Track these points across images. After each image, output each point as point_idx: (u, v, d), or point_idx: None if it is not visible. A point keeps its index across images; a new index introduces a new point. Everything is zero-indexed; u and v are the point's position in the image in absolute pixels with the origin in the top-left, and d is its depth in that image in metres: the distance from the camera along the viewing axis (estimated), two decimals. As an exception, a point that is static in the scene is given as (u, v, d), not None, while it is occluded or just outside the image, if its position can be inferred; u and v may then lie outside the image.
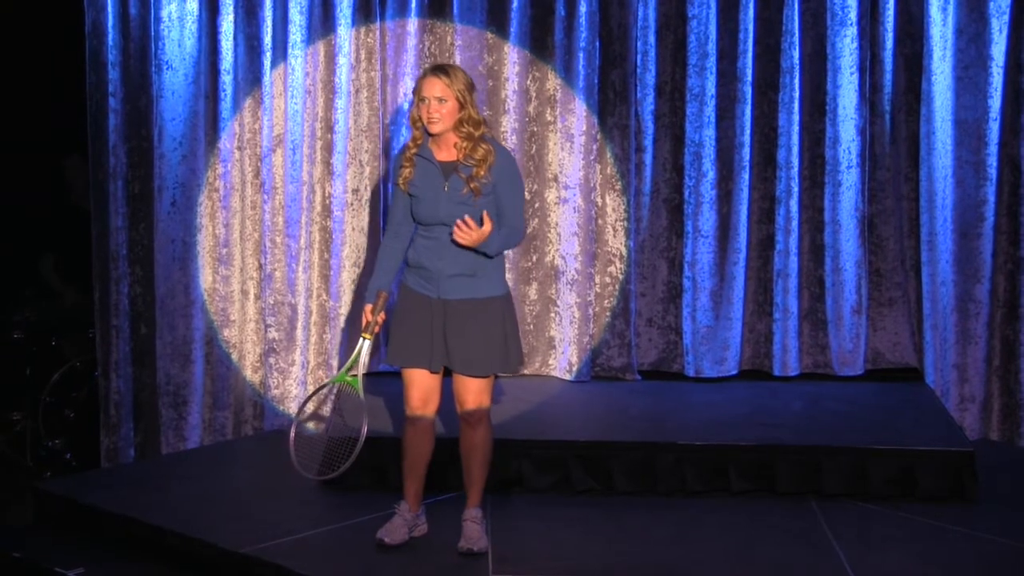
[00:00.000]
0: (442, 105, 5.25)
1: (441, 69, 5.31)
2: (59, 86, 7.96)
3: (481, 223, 5.19)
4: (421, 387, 5.45)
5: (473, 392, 5.41)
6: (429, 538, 5.62)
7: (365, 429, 5.27)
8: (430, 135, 5.33)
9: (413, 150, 5.38)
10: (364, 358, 5.37)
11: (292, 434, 5.38)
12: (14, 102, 8.17)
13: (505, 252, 5.47)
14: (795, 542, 5.73)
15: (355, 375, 5.33)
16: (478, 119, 5.31)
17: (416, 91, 5.33)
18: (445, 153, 5.35)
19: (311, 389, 7.20)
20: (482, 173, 5.28)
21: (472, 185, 5.27)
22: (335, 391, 5.55)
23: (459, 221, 5.17)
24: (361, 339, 5.37)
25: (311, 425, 5.81)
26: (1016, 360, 7.16)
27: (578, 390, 7.33)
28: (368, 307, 5.39)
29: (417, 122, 5.34)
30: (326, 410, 5.94)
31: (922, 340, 7.31)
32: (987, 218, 7.17)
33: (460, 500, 5.68)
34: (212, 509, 6.11)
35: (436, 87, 5.26)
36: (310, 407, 5.70)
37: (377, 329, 5.36)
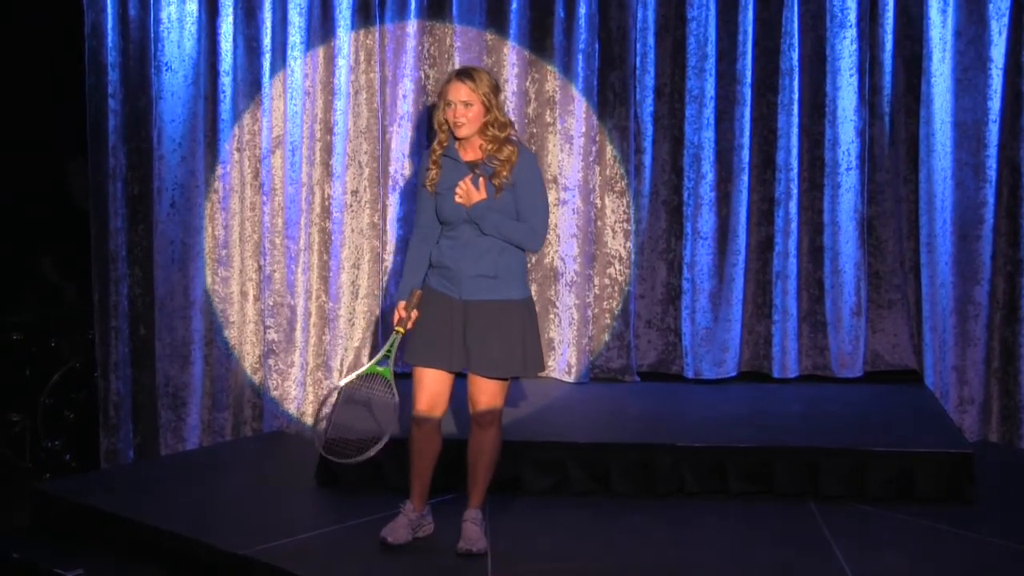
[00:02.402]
0: (468, 109, 5.29)
1: (466, 73, 5.33)
2: (59, 87, 7.96)
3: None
4: (430, 390, 5.45)
5: (488, 394, 5.42)
6: (428, 539, 5.61)
7: (397, 419, 5.35)
8: (456, 139, 5.36)
9: (438, 151, 5.42)
10: (395, 352, 5.43)
11: (317, 425, 5.44)
12: (14, 103, 8.17)
13: (526, 255, 5.49)
14: (793, 544, 5.73)
15: (387, 367, 5.40)
16: (504, 121, 5.34)
17: (441, 95, 5.36)
18: (471, 154, 5.39)
19: (312, 393, 7.21)
20: (505, 173, 5.30)
21: (494, 182, 5.30)
22: (365, 381, 5.55)
23: (459, 182, 5.29)
24: (394, 333, 5.42)
25: (325, 417, 5.79)
26: (1015, 362, 7.15)
27: (577, 391, 7.33)
28: (402, 303, 5.44)
29: (443, 125, 5.38)
30: (351, 401, 5.94)
31: (921, 342, 7.31)
32: (986, 220, 7.17)
33: (460, 501, 5.68)
34: (211, 510, 6.11)
35: (461, 92, 5.28)
36: (336, 396, 5.70)
37: (411, 325, 5.39)
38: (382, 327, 7.31)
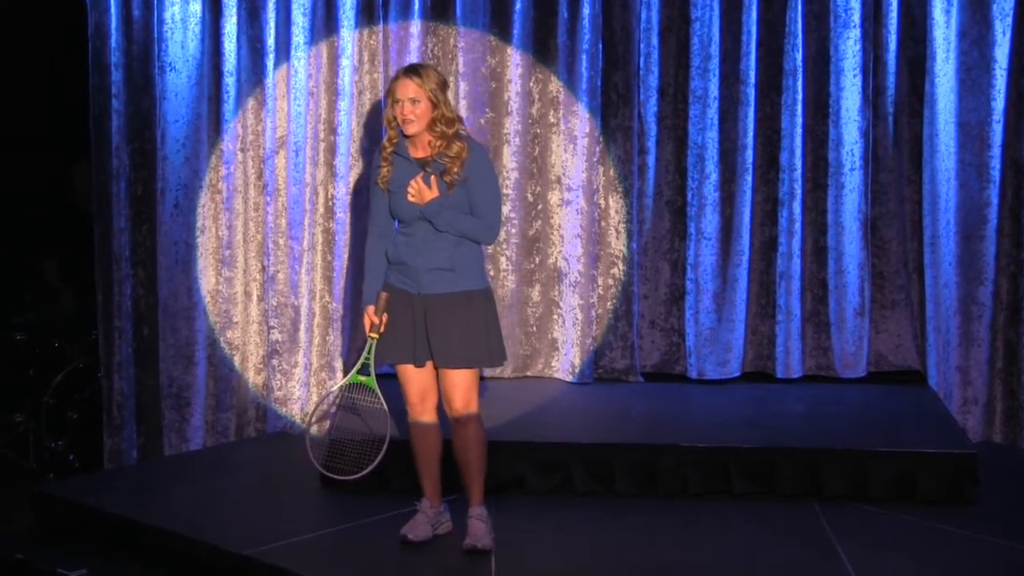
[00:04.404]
0: (416, 106, 5.32)
1: (413, 70, 5.36)
2: (62, 88, 7.96)
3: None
4: (416, 382, 5.50)
5: (460, 388, 5.44)
6: (433, 539, 5.61)
7: (389, 427, 5.36)
8: (405, 136, 5.38)
9: (389, 149, 5.46)
10: (374, 358, 5.44)
11: (308, 439, 5.44)
12: (17, 103, 8.17)
13: (484, 248, 5.50)
14: (797, 544, 5.73)
15: (369, 375, 5.42)
16: (451, 117, 5.37)
17: (389, 92, 5.40)
18: (421, 151, 5.42)
19: (315, 394, 7.21)
20: (456, 169, 5.32)
21: (445, 179, 5.32)
22: (349, 391, 5.57)
23: (411, 182, 5.32)
24: (369, 339, 5.43)
25: (316, 430, 5.80)
26: (1019, 362, 7.15)
27: (580, 392, 7.33)
28: (370, 308, 5.45)
29: (392, 122, 5.42)
30: (336, 411, 5.96)
31: (925, 342, 7.31)
32: (990, 220, 7.17)
33: (461, 503, 5.68)
34: (214, 511, 6.11)
35: (409, 88, 5.31)
36: (322, 410, 5.71)
37: (383, 329, 5.40)
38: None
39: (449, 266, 5.38)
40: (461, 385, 5.44)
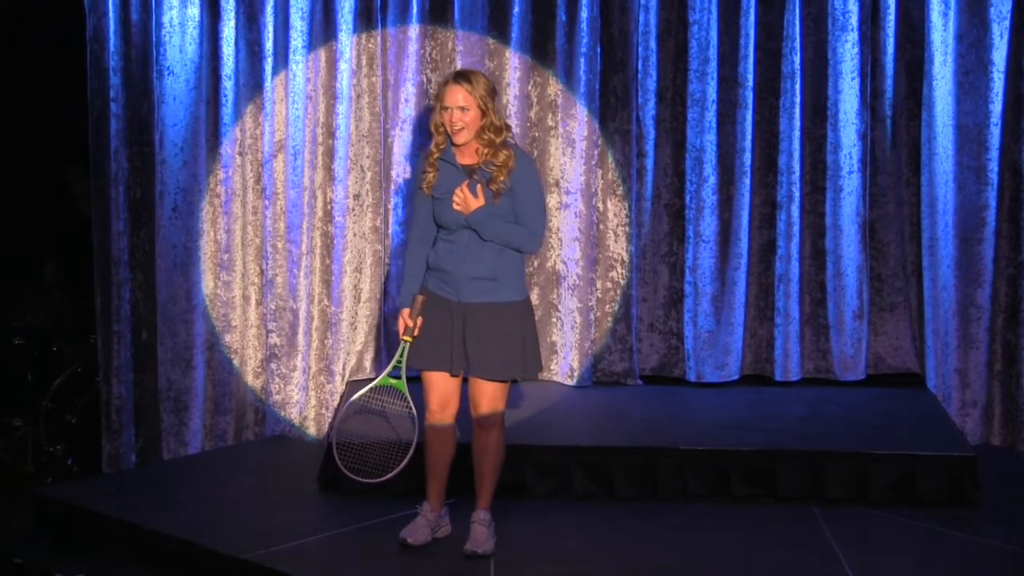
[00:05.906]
0: (465, 114, 5.29)
1: (463, 76, 5.33)
2: (60, 91, 7.95)
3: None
4: (440, 391, 5.47)
5: (488, 396, 5.42)
6: (432, 542, 5.61)
7: (416, 432, 5.36)
8: (453, 144, 5.35)
9: (436, 155, 5.42)
10: (406, 361, 5.43)
11: (334, 440, 5.43)
12: (16, 108, 8.16)
13: (523, 257, 5.48)
14: (797, 547, 5.73)
15: (399, 378, 5.41)
16: (500, 125, 5.33)
17: (439, 98, 5.35)
18: (467, 157, 5.39)
19: (314, 397, 7.20)
20: (502, 178, 5.29)
21: (492, 188, 5.30)
22: (380, 394, 5.55)
23: (456, 190, 5.28)
24: (402, 342, 5.41)
25: (343, 432, 5.75)
26: (1017, 365, 7.15)
27: (580, 395, 7.32)
28: (405, 311, 5.43)
29: (440, 127, 5.37)
30: (368, 414, 5.95)
31: (923, 345, 7.31)
32: (988, 223, 7.17)
33: (465, 504, 5.67)
34: (213, 514, 6.11)
35: (458, 96, 5.28)
36: (350, 411, 5.68)
37: (417, 332, 5.38)
38: (384, 331, 7.31)
39: (491, 276, 5.35)
40: (489, 394, 5.43)
